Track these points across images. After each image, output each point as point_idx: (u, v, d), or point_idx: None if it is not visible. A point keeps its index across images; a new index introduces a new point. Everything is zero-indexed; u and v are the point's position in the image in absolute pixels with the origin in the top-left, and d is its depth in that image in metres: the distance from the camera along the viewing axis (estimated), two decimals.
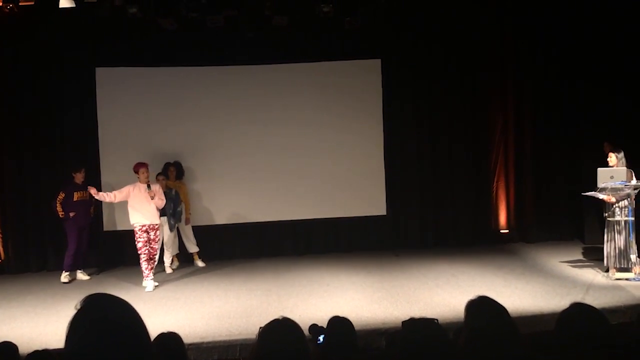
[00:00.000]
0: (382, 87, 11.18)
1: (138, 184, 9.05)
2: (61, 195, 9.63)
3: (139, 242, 8.96)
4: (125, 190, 9.00)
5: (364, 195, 11.17)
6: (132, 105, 10.71)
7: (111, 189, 10.19)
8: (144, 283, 9.00)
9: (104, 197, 9.03)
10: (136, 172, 9.08)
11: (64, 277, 9.65)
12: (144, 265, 8.96)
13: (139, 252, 8.96)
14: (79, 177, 9.74)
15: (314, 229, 11.27)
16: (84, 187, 9.68)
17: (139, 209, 8.97)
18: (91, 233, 10.09)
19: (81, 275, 9.85)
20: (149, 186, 9.06)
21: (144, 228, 8.98)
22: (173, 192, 9.97)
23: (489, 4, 10.92)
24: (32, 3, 9.15)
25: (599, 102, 10.45)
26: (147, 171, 9.15)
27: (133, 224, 9.01)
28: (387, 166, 11.21)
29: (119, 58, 10.65)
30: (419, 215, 11.33)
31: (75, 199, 9.66)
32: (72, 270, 9.75)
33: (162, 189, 9.73)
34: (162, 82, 10.83)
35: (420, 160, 11.32)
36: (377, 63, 11.18)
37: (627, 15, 9.61)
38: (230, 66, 10.97)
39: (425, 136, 11.31)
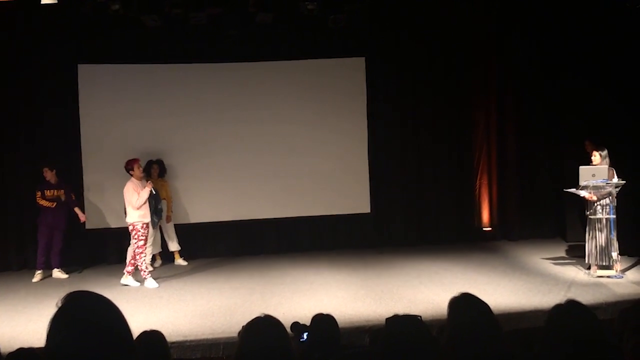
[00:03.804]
0: (366, 85, 11.20)
1: (135, 181, 8.94)
2: (38, 194, 9.60)
3: (141, 239, 8.84)
4: (136, 193, 8.80)
5: (347, 193, 11.18)
6: (114, 102, 10.63)
7: (93, 185, 10.20)
8: (148, 283, 8.87)
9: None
10: (131, 168, 8.95)
11: (35, 276, 9.58)
12: (143, 264, 8.88)
13: (140, 250, 8.83)
14: (49, 175, 9.63)
15: (297, 227, 11.26)
16: (56, 186, 9.65)
17: (142, 206, 8.90)
18: (70, 232, 9.99)
19: (58, 274, 9.73)
20: (149, 182, 9.09)
21: (145, 226, 8.93)
22: (153, 190, 9.90)
23: (473, 2, 10.95)
24: None
25: (581, 100, 10.54)
26: (140, 166, 9.11)
27: (134, 222, 8.84)
28: (371, 164, 11.23)
29: (102, 55, 10.57)
30: (403, 213, 11.36)
31: (46, 196, 9.61)
32: (44, 268, 9.66)
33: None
34: (144, 79, 10.77)
35: (404, 158, 11.35)
36: (361, 61, 11.19)
37: (611, 13, 9.66)
38: (213, 63, 10.93)
39: (409, 134, 11.35)
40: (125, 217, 9.00)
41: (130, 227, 8.90)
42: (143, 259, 8.92)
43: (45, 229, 9.65)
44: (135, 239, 8.87)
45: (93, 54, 10.55)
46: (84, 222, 10.09)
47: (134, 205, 8.79)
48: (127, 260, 9.12)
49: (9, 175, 10.36)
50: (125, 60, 10.68)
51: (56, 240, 9.72)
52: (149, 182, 9.13)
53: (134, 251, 8.91)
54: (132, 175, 8.97)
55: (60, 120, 10.51)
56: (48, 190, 9.62)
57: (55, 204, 9.61)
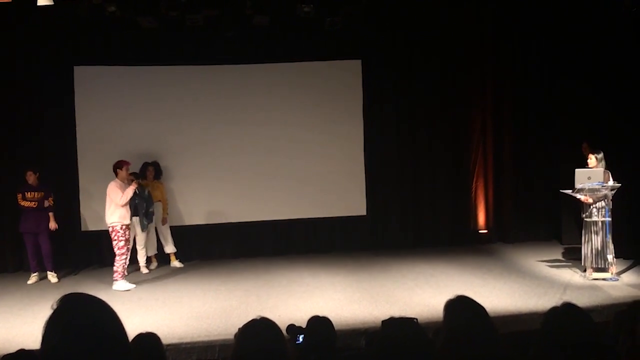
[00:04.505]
0: (363, 87, 11.20)
1: (118, 181, 8.92)
2: (19, 196, 9.53)
3: (121, 241, 8.81)
4: (120, 191, 8.77)
5: (344, 196, 11.18)
6: (110, 104, 10.62)
7: (89, 186, 10.17)
8: (118, 285, 8.83)
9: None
10: (119, 168, 8.93)
11: (31, 278, 9.57)
12: (121, 267, 8.84)
13: (120, 251, 8.80)
14: (32, 179, 9.56)
15: (293, 229, 11.25)
16: (36, 189, 9.57)
17: (123, 207, 8.86)
18: (65, 234, 9.93)
19: (50, 277, 9.62)
20: (134, 182, 9.03)
21: (124, 227, 8.89)
22: (146, 192, 9.90)
23: (469, 4, 10.96)
24: (10, 1, 9.03)
25: (577, 102, 10.55)
26: (129, 169, 9.09)
27: (113, 223, 8.81)
28: (367, 166, 11.24)
29: (98, 56, 10.56)
30: (399, 216, 11.36)
31: (27, 198, 9.54)
32: (37, 271, 9.62)
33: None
34: (140, 81, 10.77)
35: (400, 161, 11.36)
36: (357, 64, 11.20)
37: (608, 17, 9.69)
38: (210, 65, 10.91)
39: (405, 137, 11.35)
40: (105, 218, 8.94)
41: (110, 229, 8.87)
42: (123, 260, 8.86)
43: (30, 235, 9.56)
44: (115, 240, 8.82)
45: (89, 55, 10.54)
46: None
47: (118, 203, 8.74)
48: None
49: (4, 176, 10.32)
50: (121, 61, 10.67)
51: (43, 245, 9.59)
52: (134, 181, 9.08)
53: (116, 253, 8.86)
54: (117, 175, 8.93)
55: (56, 122, 10.49)
56: (28, 193, 9.55)
57: (36, 203, 9.49)
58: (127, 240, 8.97)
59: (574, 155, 9.56)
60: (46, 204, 9.61)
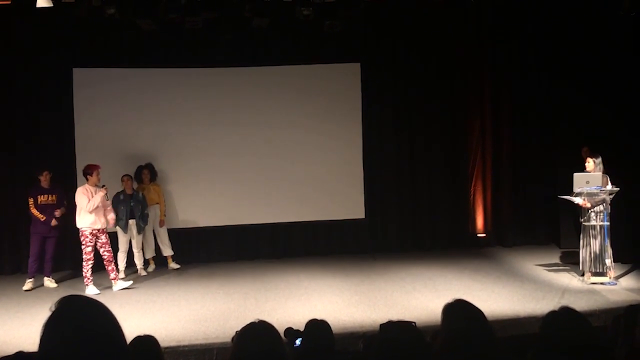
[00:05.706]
0: (362, 91, 11.20)
1: (87, 186, 8.83)
2: (31, 201, 9.39)
3: (88, 246, 8.75)
4: (86, 197, 8.68)
5: (342, 199, 11.17)
6: (109, 106, 10.60)
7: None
8: (89, 290, 8.76)
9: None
10: (89, 173, 8.83)
11: (26, 284, 9.32)
12: (89, 271, 8.80)
13: (87, 256, 8.74)
14: (47, 180, 9.46)
15: (292, 232, 11.25)
16: (49, 191, 9.48)
17: (94, 212, 8.75)
18: (63, 236, 9.82)
19: (48, 283, 9.51)
20: (104, 187, 8.91)
21: (94, 232, 8.79)
22: (140, 195, 9.90)
23: (467, 9, 10.96)
24: (9, 2, 9.03)
25: (575, 107, 10.56)
26: (99, 174, 8.95)
27: (82, 228, 8.74)
28: (365, 170, 11.24)
29: (97, 59, 10.55)
30: (397, 219, 11.36)
31: (39, 202, 9.41)
32: (35, 276, 9.47)
33: (129, 190, 9.72)
34: (140, 83, 10.76)
35: (398, 164, 11.36)
36: (356, 67, 11.20)
37: (605, 21, 9.70)
38: (209, 68, 10.92)
39: (404, 140, 11.36)
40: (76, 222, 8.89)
41: (80, 233, 8.81)
42: (90, 266, 8.80)
43: (38, 237, 9.44)
44: (83, 245, 8.78)
45: (88, 57, 10.53)
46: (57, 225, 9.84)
47: (85, 209, 8.67)
48: (110, 267, 9.03)
49: (3, 178, 10.31)
50: (120, 64, 10.66)
51: (48, 247, 9.49)
52: (104, 187, 8.93)
53: (83, 258, 8.81)
54: (87, 180, 8.86)
55: (55, 124, 10.48)
56: (41, 196, 9.42)
57: (44, 217, 9.35)
58: (94, 246, 8.85)
59: (572, 159, 9.56)
60: (58, 213, 9.43)
